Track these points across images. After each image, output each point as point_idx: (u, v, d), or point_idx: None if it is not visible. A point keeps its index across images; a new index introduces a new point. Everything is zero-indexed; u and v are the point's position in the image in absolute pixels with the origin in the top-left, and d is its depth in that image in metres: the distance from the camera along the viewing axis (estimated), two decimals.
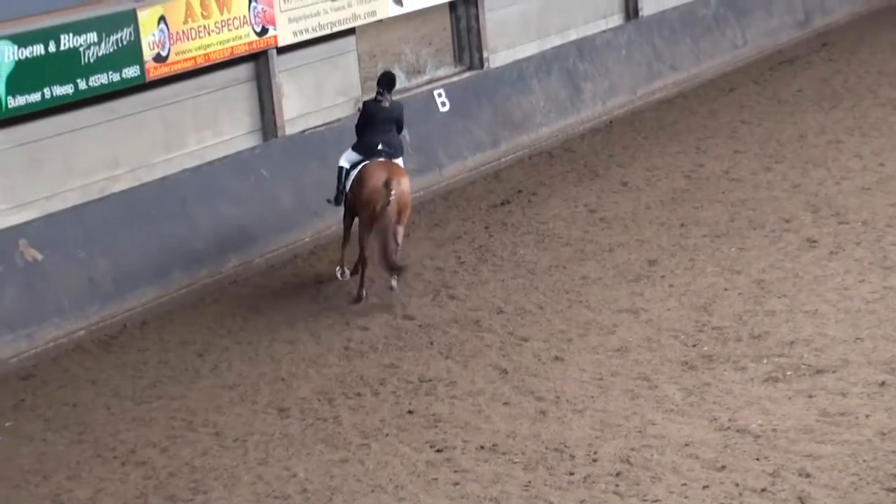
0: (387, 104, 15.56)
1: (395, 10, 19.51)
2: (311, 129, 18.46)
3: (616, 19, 23.86)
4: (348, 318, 14.98)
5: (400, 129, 15.81)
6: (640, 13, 24.05)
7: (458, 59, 21.23)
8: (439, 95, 19.95)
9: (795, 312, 13.85)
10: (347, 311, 15.19)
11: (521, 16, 21.94)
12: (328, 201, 16.07)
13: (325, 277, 16.33)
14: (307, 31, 18.23)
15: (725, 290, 14.66)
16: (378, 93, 15.60)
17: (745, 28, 26.03)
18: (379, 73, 16.06)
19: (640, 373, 12.84)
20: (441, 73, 20.90)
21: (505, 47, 21.53)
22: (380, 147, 15.48)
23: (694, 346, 13.34)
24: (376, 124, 15.55)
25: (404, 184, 15.16)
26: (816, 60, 25.04)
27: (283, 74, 18.16)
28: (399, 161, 15.63)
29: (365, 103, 15.96)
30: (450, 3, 20.83)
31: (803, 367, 12.56)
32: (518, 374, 13.12)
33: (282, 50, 18.04)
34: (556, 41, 22.48)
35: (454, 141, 19.88)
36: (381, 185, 14.92)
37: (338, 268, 15.98)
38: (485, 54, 21.13)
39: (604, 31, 23.29)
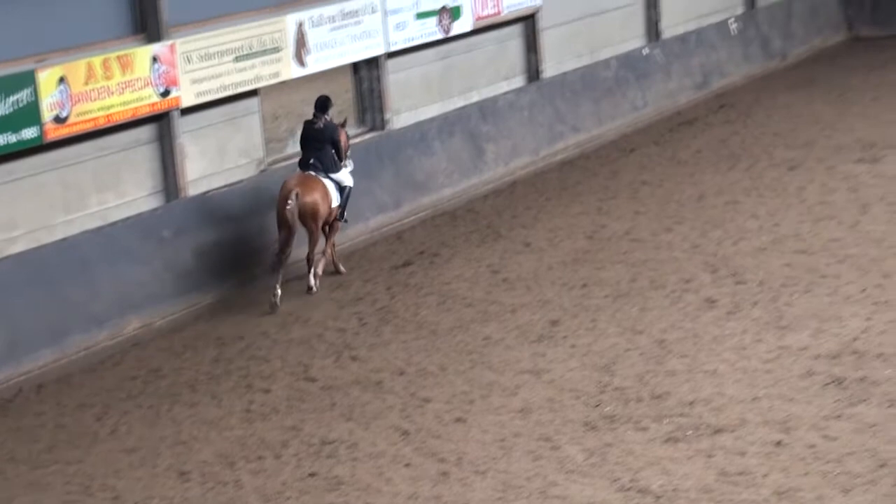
0: (320, 125, 17.68)
1: (299, 72, 19.57)
2: (213, 190, 18.41)
3: (518, 81, 24.08)
4: (250, 381, 14.90)
5: (336, 148, 17.79)
6: (542, 75, 24.29)
7: (361, 121, 21.31)
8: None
9: (695, 372, 13.98)
10: (250, 374, 15.11)
11: (423, 77, 22.08)
12: None
13: (227, 339, 16.24)
14: (210, 92, 18.23)
15: (627, 350, 14.77)
16: (313, 115, 17.71)
17: (645, 90, 26.39)
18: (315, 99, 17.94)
19: (543, 434, 12.87)
20: None
21: (407, 109, 21.65)
22: (311, 162, 17.62)
23: (596, 406, 13.40)
24: (310, 143, 17.74)
25: (309, 195, 17.17)
26: (714, 122, 25.42)
27: (185, 135, 18.11)
28: (338, 176, 17.79)
29: (304, 123, 17.90)
30: (352, 65, 20.92)
31: (703, 426, 12.66)
32: (420, 435, 13.11)
33: (185, 111, 18.01)
34: (459, 102, 22.64)
35: (357, 202, 19.89)
36: (286, 195, 16.98)
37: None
38: (387, 116, 21.23)
39: (506, 93, 23.50)
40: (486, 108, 22.85)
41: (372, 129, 21.20)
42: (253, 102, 19.20)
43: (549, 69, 24.49)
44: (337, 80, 20.88)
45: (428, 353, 15.26)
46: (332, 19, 19.97)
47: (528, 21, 24.11)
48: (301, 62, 19.50)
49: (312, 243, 17.53)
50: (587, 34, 25.72)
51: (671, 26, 27.77)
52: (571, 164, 23.27)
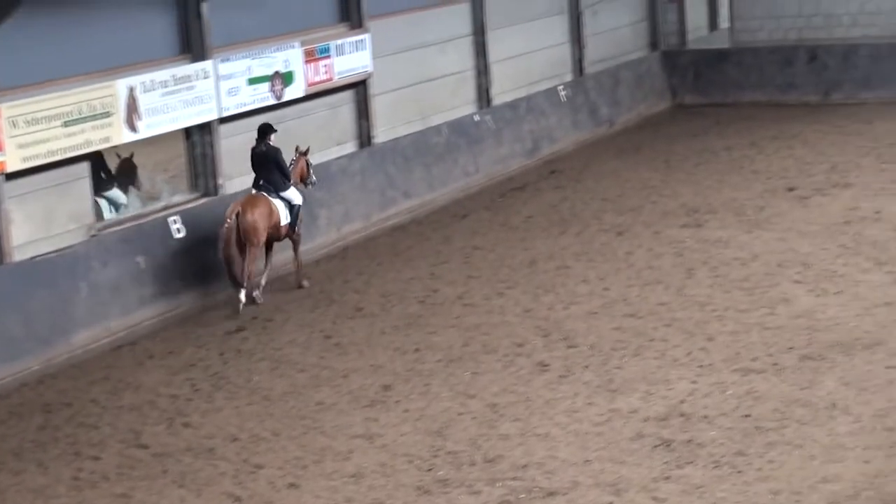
0: (262, 148, 19.72)
1: (130, 137, 19.39)
2: (40, 255, 18.09)
3: (350, 146, 24.18)
4: (78, 448, 14.63)
5: (281, 170, 19.71)
6: (374, 141, 24.43)
7: (194, 186, 21.16)
8: (174, 222, 19.83)
9: (528, 436, 14.11)
10: (78, 441, 14.84)
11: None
12: None
13: (54, 406, 15.95)
14: (37, 157, 17.95)
15: (460, 414, 14.85)
16: (256, 140, 19.76)
17: (476, 155, 26.69)
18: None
19: (375, 498, 12.86)
20: (176, 199, 20.78)
21: (240, 174, 21.54)
22: (261, 183, 19.68)
23: (429, 470, 13.43)
24: (257, 166, 19.77)
25: (249, 213, 19.06)
26: (545, 187, 25.80)
27: (11, 200, 17.79)
28: (286, 194, 19.69)
29: (250, 149, 19.86)
30: (185, 130, 20.80)
31: (535, 489, 12.78)
32: (252, 501, 13.00)
33: (10, 175, 17.69)
34: None
35: (189, 267, 19.73)
36: (228, 214, 18.89)
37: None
38: (220, 181, 21.12)
39: (338, 158, 23.57)
40: (318, 174, 22.83)
41: (205, 195, 21.06)
42: (83, 167, 18.96)
43: (381, 135, 24.65)
44: (169, 146, 20.74)
45: (261, 418, 15.16)
46: (164, 84, 19.86)
47: (360, 87, 24.26)
48: (132, 127, 19.32)
49: (250, 259, 19.09)
50: (418, 100, 25.97)
51: (502, 93, 28.18)
52: (403, 229, 23.40)
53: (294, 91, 22.50)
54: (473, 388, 15.61)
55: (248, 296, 19.20)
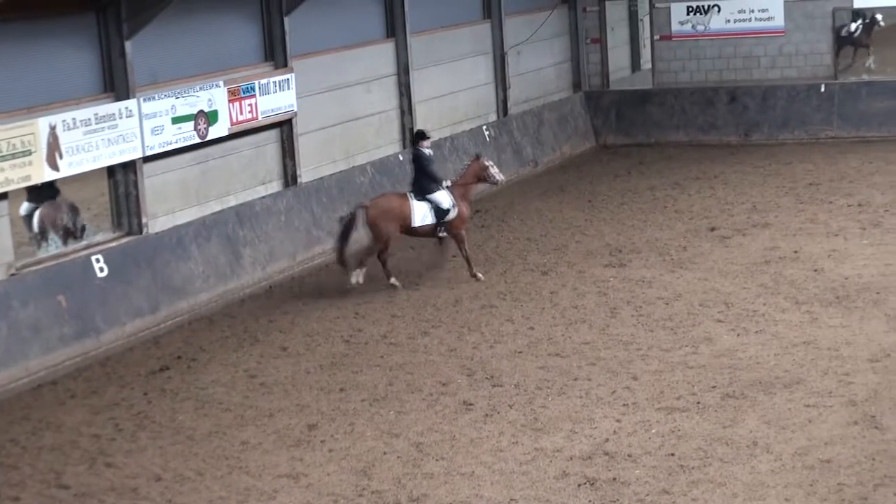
0: (414, 153, 22.00)
1: (51, 175, 19.25)
2: None
3: (275, 185, 24.15)
4: None
5: (426, 174, 21.64)
6: (299, 180, 24.42)
7: (117, 225, 21.04)
8: (97, 261, 19.71)
9: (453, 474, 14.12)
10: None
11: (180, 182, 21.97)
12: None
13: None
14: None
15: (385, 453, 14.83)
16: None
17: None
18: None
19: None
20: (99, 238, 20.63)
21: (164, 213, 21.49)
22: (411, 185, 21.99)
23: None
24: (413, 169, 22.04)
25: (371, 210, 21.49)
26: (470, 227, 25.78)
27: None
28: (435, 196, 21.57)
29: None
30: (108, 169, 20.68)
31: None
32: None
33: None
34: (216, 207, 22.57)
35: (112, 307, 19.61)
36: (359, 203, 21.86)
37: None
38: (143, 220, 21.02)
39: (263, 198, 23.54)
40: (243, 213, 22.85)
41: (128, 234, 20.93)
42: (2, 206, 18.79)
43: (306, 174, 24.64)
44: (92, 184, 20.62)
45: (185, 458, 15.06)
46: (87, 122, 19.75)
47: (285, 126, 24.26)
48: (54, 166, 19.19)
49: (372, 248, 21.71)
50: (343, 140, 26.01)
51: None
52: (328, 268, 23.36)
53: (218, 130, 22.45)
54: (398, 427, 15.61)
55: (358, 277, 21.45)
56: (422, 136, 22.18)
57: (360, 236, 22.16)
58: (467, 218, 22.21)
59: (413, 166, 22.08)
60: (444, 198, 21.69)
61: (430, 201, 21.64)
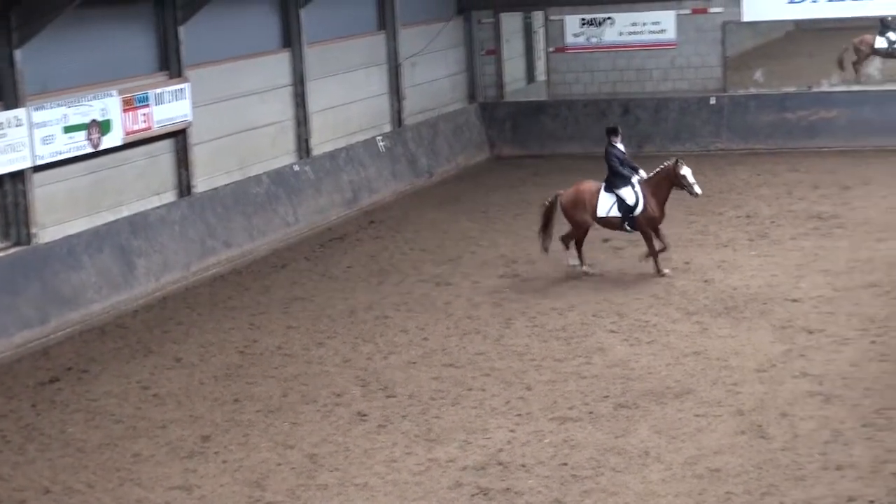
0: (605, 148, 22.29)
1: None
2: None
3: (169, 196, 24.00)
4: None
5: (611, 169, 22.02)
6: (194, 190, 24.29)
7: (5, 235, 20.76)
8: None
9: (347, 486, 14.12)
10: None
11: (70, 192, 21.75)
12: None
13: None
14: None
15: (279, 464, 14.80)
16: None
17: (296, 206, 26.71)
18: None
19: None
20: None
21: (54, 223, 21.26)
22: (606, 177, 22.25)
23: None
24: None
25: (563, 195, 22.27)
26: (365, 238, 25.92)
27: None
28: (621, 191, 21.81)
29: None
30: None
31: None
32: None
33: None
34: (109, 217, 22.37)
35: (1, 317, 19.37)
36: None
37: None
38: (33, 230, 20.77)
39: (157, 208, 23.38)
40: (136, 223, 22.68)
41: (17, 244, 20.67)
42: None
43: (201, 184, 24.52)
44: None
45: (75, 470, 14.91)
46: None
47: (179, 136, 24.13)
48: None
49: (570, 233, 22.30)
50: (238, 150, 25.92)
51: (321, 143, 28.27)
52: (223, 279, 23.27)
53: (112, 140, 22.27)
54: (292, 438, 15.58)
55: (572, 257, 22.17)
56: (611, 131, 22.38)
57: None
58: (655, 217, 21.89)
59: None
60: (628, 193, 21.80)
61: (616, 195, 21.85)
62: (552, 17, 34.17)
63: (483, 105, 34.76)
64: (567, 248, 22.31)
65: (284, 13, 27.45)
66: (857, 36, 36.04)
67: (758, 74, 35.33)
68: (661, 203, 21.94)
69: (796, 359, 17.29)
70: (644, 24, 33.54)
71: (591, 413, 15.83)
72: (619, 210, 21.87)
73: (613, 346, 18.37)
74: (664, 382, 16.74)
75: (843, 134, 32.01)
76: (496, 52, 35.03)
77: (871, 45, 35.90)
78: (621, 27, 33.66)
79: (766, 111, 32.62)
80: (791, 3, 32.51)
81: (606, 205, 21.94)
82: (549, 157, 33.26)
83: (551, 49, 34.42)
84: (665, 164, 22.03)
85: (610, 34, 33.74)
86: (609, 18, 33.69)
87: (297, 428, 15.92)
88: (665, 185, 21.88)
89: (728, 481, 13.63)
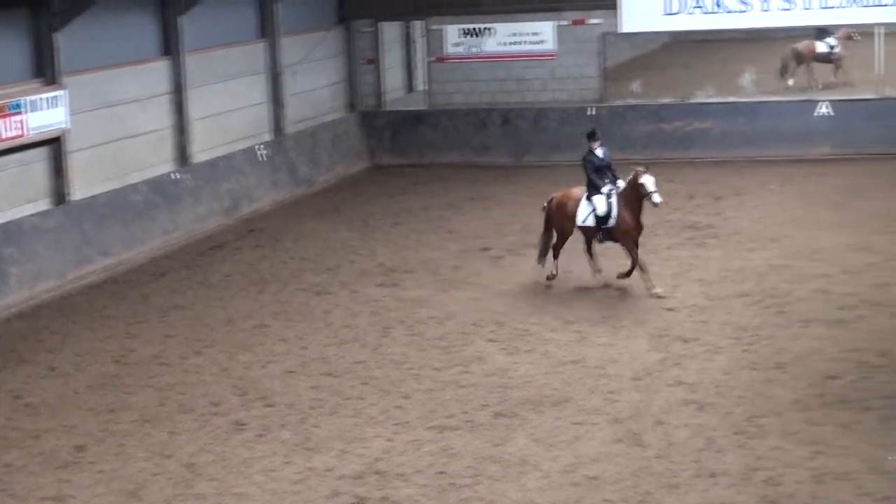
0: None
1: None
2: None
3: (44, 204, 23.70)
4: None
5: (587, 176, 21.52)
6: (70, 198, 24.01)
7: None
8: None
9: (224, 495, 14.06)
10: None
11: None
12: None
13: None
14: None
15: (155, 474, 14.69)
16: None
17: (175, 214, 26.52)
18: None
19: None
20: None
21: None
22: None
23: None
24: None
25: (551, 200, 21.93)
26: (244, 246, 25.80)
27: None
28: (593, 199, 21.22)
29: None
30: None
31: None
32: None
33: None
34: None
35: None
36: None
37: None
38: None
39: (31, 216, 23.08)
40: (9, 231, 22.36)
41: None
42: None
43: (78, 192, 24.25)
44: None
45: None
46: None
47: (55, 144, 23.84)
48: None
49: (548, 239, 21.95)
50: (117, 158, 25.69)
51: (201, 151, 28.11)
52: (100, 287, 23.04)
53: None
54: (169, 447, 15.47)
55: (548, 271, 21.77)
56: (589, 136, 21.78)
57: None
58: (628, 230, 21.03)
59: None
60: (599, 202, 21.23)
61: (591, 203, 21.33)
62: (432, 27, 34.30)
63: (363, 114, 34.78)
64: (548, 256, 21.96)
65: (164, 21, 27.27)
66: (800, 42, 36.67)
67: (635, 85, 35.76)
68: (635, 215, 21.04)
69: (671, 367, 17.54)
70: (524, 34, 33.79)
71: (469, 422, 15.91)
72: (595, 220, 21.38)
73: (492, 354, 18.48)
74: (542, 391, 16.88)
75: (716, 145, 32.53)
76: (376, 62, 35.07)
77: (814, 51, 36.56)
78: (501, 37, 33.88)
79: (643, 122, 33.03)
80: (667, 15, 32.95)
81: (584, 213, 21.42)
82: (429, 166, 33.39)
83: (431, 58, 34.55)
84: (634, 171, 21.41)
85: (490, 44, 33.95)
86: (489, 28, 33.89)
87: (174, 437, 15.81)
88: (633, 195, 20.99)
89: (605, 489, 13.78)
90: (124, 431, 16.07)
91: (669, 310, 20.14)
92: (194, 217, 27.07)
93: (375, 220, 27.66)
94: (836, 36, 36.31)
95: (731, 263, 22.56)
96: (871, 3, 31.66)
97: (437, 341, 19.17)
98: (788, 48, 36.97)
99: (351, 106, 34.87)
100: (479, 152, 33.81)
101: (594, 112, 33.25)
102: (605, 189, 21.26)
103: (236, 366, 18.47)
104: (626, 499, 13.53)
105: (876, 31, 32.83)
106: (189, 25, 27.59)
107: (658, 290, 20.78)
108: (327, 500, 13.81)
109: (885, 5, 31.62)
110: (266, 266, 24.13)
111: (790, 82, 36.30)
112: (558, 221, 21.76)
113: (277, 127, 31.30)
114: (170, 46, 27.36)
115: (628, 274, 21.17)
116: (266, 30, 31.10)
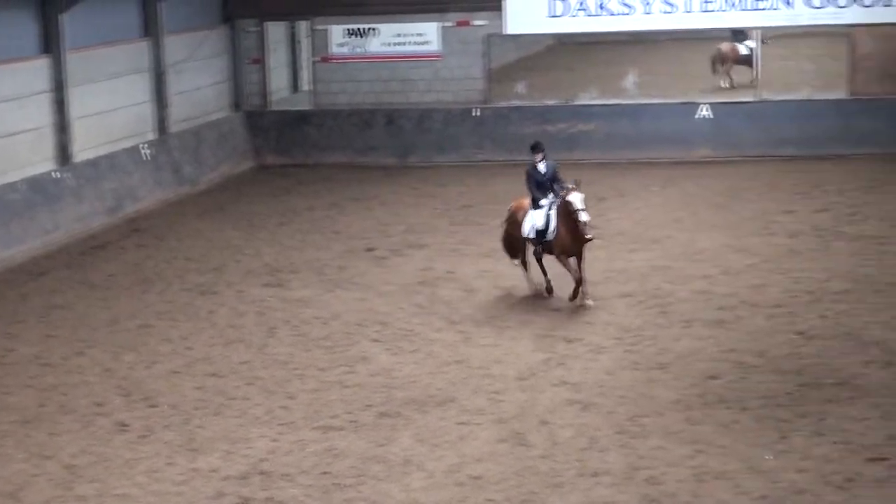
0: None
1: None
2: None
3: None
4: None
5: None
6: None
7: None
8: None
9: (106, 497, 13.94)
10: None
11: None
12: None
13: None
14: None
15: (34, 475, 14.52)
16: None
17: (56, 213, 26.20)
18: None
19: None
20: None
21: None
22: None
23: None
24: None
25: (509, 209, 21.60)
26: (128, 246, 25.57)
27: None
28: (533, 211, 20.75)
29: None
30: None
31: None
32: None
33: None
34: None
35: None
36: None
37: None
38: None
39: None
40: None
41: None
42: None
43: None
44: None
45: None
46: None
47: None
48: None
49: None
50: None
51: (83, 150, 27.80)
52: None
53: None
54: (49, 449, 15.31)
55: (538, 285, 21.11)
56: (532, 149, 21.12)
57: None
58: (563, 245, 20.35)
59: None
60: (537, 216, 20.68)
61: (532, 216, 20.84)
62: (317, 27, 34.25)
63: (248, 114, 34.62)
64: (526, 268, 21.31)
65: (45, 19, 26.93)
66: (723, 43, 37.11)
67: (520, 87, 36.00)
68: (571, 230, 20.26)
69: (555, 367, 17.70)
70: (409, 35, 33.87)
71: (353, 422, 15.93)
72: (535, 233, 20.80)
73: (377, 355, 18.51)
74: (427, 391, 16.95)
75: (600, 146, 32.85)
76: (261, 61, 34.92)
77: (738, 53, 36.99)
78: (386, 38, 33.93)
79: (528, 123, 33.23)
80: (552, 17, 33.22)
81: (528, 225, 20.86)
82: (314, 166, 33.34)
83: (316, 59, 34.49)
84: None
85: (375, 45, 33.98)
86: (374, 29, 33.91)
87: (54, 438, 15.64)
88: (565, 211, 20.31)
89: (489, 489, 13.88)
90: (3, 432, 15.87)
91: (554, 310, 20.32)
92: (76, 216, 26.76)
93: (260, 219, 27.56)
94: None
95: (614, 264, 22.80)
96: (749, 7, 32.22)
97: (322, 341, 19.16)
98: (715, 49, 37.46)
99: (236, 105, 34.69)
100: (363, 153, 33.82)
101: (479, 113, 33.44)
102: (543, 203, 20.72)
103: (120, 366, 18.31)
104: (510, 498, 13.64)
105: (755, 34, 33.38)
106: (71, 23, 27.27)
107: (589, 302, 20.30)
108: (211, 501, 13.76)
109: (763, 9, 32.20)
110: (150, 266, 23.93)
111: (722, 83, 36.76)
112: (511, 229, 21.37)
113: (162, 126, 31.05)
114: (50, 44, 27.02)
115: (574, 294, 20.43)
116: (150, 28, 30.84)
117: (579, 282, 20.43)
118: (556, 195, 20.67)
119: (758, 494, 13.47)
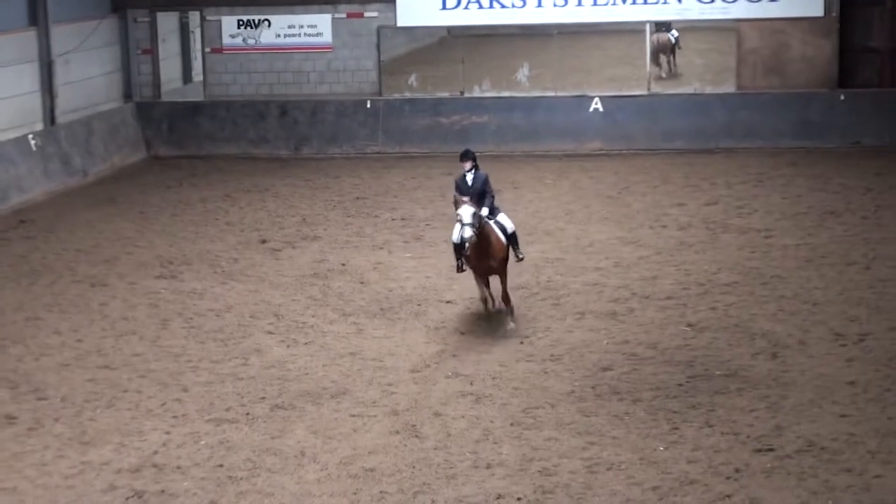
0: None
1: None
2: None
3: None
4: None
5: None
6: None
7: None
8: None
9: None
10: None
11: None
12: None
13: None
14: None
15: None
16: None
17: None
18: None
19: None
20: None
21: None
22: None
23: None
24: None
25: None
26: (14, 237, 25.22)
27: None
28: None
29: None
30: None
31: None
32: None
33: None
34: None
35: None
36: None
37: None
38: None
39: None
40: None
41: None
42: None
43: None
44: None
45: None
46: None
47: None
48: None
49: None
50: None
51: None
52: None
53: None
54: None
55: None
56: (461, 157, 19.16)
57: None
58: (475, 262, 18.85)
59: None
60: (455, 230, 18.84)
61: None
62: (209, 18, 34.02)
63: (139, 104, 34.27)
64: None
65: None
66: (658, 33, 37.22)
67: (412, 79, 36.01)
68: (481, 249, 18.65)
69: (448, 359, 17.77)
70: (301, 26, 33.78)
71: (247, 414, 15.89)
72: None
73: (271, 347, 18.46)
74: (321, 383, 16.94)
75: (493, 139, 33.00)
76: (152, 52, 34.60)
77: (669, 43, 37.16)
78: (278, 29, 33.82)
79: (421, 115, 33.31)
80: (444, 9, 33.34)
81: (455, 234, 18.89)
82: (206, 157, 33.11)
83: (208, 49, 34.27)
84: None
85: (267, 36, 33.84)
86: (266, 20, 33.78)
87: None
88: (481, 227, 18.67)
89: (382, 481, 13.91)
90: None
91: (447, 302, 20.40)
92: None
93: (153, 211, 27.33)
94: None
95: None
96: (639, 2, 32.56)
97: (215, 333, 19.07)
98: (654, 39, 37.61)
99: (127, 96, 34.34)
100: (256, 144, 33.67)
101: (371, 105, 33.43)
102: (461, 216, 18.38)
103: (7, 358, 18.07)
104: (404, 490, 13.69)
105: (647, 28, 33.70)
106: None
107: (511, 325, 18.92)
108: (103, 495, 13.65)
109: (653, 3, 32.56)
110: (38, 257, 23.63)
111: (662, 73, 36.94)
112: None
113: (50, 116, 30.65)
114: None
115: (505, 305, 19.16)
116: (37, 17, 30.42)
117: (502, 295, 19.09)
118: (480, 208, 18.73)
119: (650, 485, 13.63)
